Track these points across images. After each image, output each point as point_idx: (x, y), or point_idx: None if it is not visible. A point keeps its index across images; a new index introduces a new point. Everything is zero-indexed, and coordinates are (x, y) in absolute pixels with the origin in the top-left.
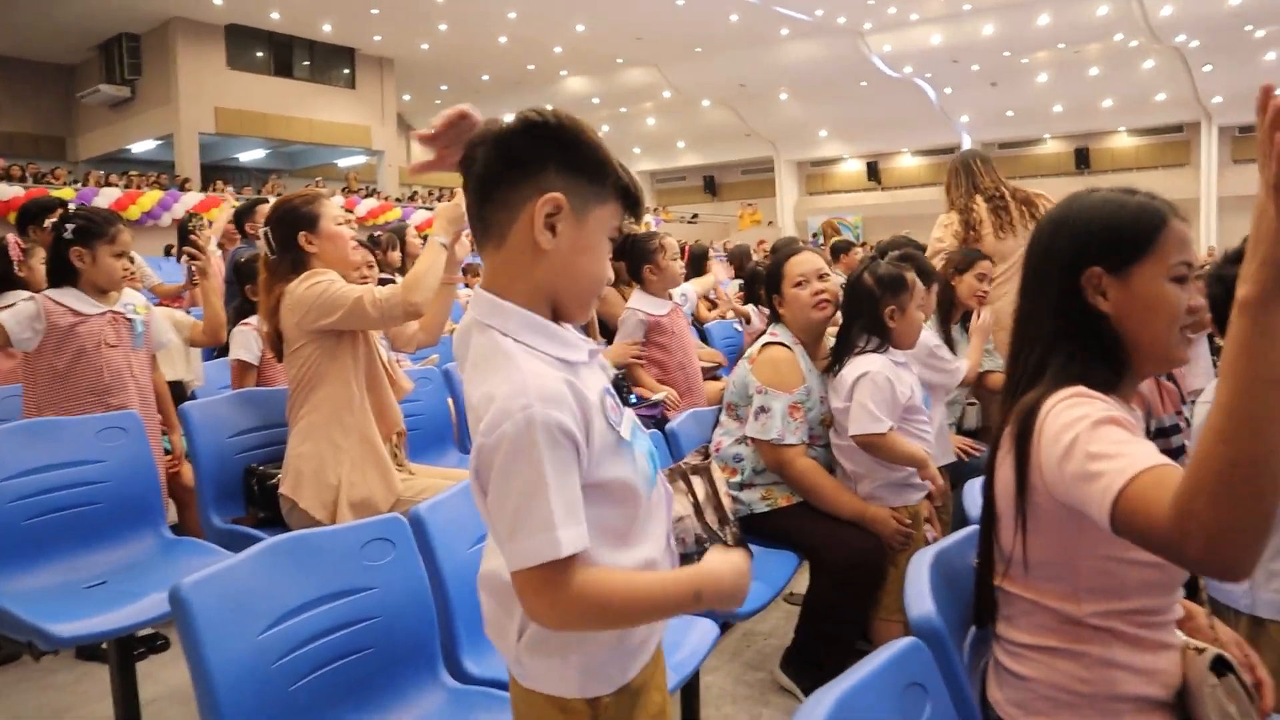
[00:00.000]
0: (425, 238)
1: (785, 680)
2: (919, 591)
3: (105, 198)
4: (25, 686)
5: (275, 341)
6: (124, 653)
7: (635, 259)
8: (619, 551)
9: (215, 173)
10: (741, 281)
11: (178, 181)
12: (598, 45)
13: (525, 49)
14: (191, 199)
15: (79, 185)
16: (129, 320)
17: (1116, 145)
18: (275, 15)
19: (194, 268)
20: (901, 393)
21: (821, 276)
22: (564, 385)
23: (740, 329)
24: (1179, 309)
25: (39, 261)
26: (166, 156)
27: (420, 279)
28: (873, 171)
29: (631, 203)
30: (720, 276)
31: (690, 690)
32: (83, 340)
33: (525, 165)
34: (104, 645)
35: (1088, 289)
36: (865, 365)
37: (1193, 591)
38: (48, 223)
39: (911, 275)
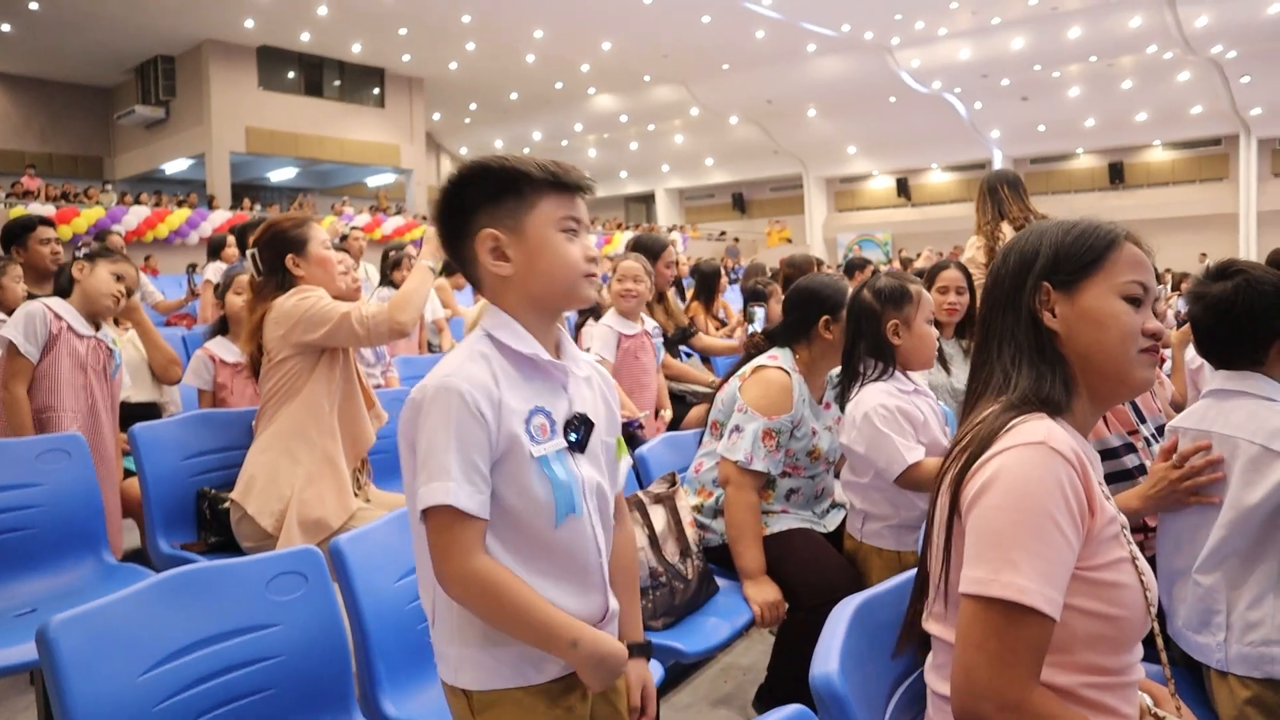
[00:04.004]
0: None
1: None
2: (826, 647)
3: (135, 216)
4: None
5: (256, 361)
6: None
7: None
8: (521, 568)
9: (246, 191)
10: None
11: (206, 200)
12: (625, 63)
13: (553, 67)
14: (219, 217)
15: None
16: (109, 349)
17: (1152, 159)
18: (306, 36)
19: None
20: (915, 419)
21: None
22: (490, 379)
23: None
24: (1131, 327)
25: (12, 280)
26: (199, 176)
27: (408, 299)
28: (902, 188)
29: (561, 185)
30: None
31: None
32: (71, 354)
33: (460, 215)
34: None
35: (1037, 304)
36: (868, 400)
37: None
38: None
39: (917, 287)
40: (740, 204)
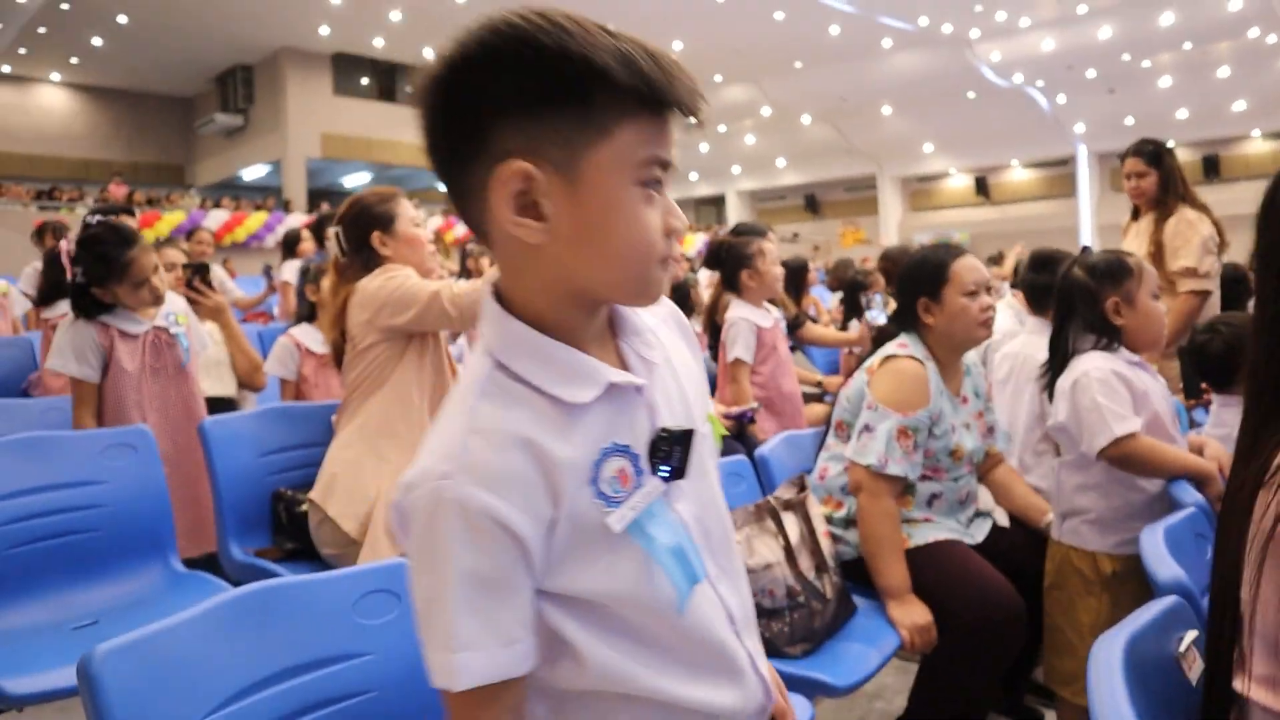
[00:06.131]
0: None
1: None
2: (1114, 708)
3: (214, 219)
4: None
5: (340, 349)
6: None
7: (731, 265)
8: (652, 672)
9: (322, 197)
10: (842, 294)
11: (283, 204)
12: (695, 62)
13: None
14: (295, 221)
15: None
16: (173, 336)
17: (1250, 151)
18: (379, 42)
19: (201, 313)
20: (1135, 388)
21: (989, 289)
22: (515, 453)
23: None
24: None
25: None
26: (275, 182)
27: None
28: (981, 186)
29: (659, 100)
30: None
31: None
32: (131, 359)
33: (467, 125)
34: None
35: None
36: (1081, 366)
37: None
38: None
39: (1137, 260)
40: (813, 205)
